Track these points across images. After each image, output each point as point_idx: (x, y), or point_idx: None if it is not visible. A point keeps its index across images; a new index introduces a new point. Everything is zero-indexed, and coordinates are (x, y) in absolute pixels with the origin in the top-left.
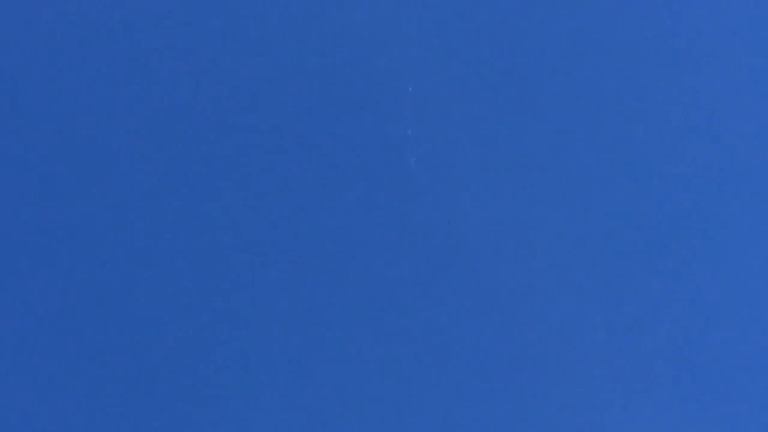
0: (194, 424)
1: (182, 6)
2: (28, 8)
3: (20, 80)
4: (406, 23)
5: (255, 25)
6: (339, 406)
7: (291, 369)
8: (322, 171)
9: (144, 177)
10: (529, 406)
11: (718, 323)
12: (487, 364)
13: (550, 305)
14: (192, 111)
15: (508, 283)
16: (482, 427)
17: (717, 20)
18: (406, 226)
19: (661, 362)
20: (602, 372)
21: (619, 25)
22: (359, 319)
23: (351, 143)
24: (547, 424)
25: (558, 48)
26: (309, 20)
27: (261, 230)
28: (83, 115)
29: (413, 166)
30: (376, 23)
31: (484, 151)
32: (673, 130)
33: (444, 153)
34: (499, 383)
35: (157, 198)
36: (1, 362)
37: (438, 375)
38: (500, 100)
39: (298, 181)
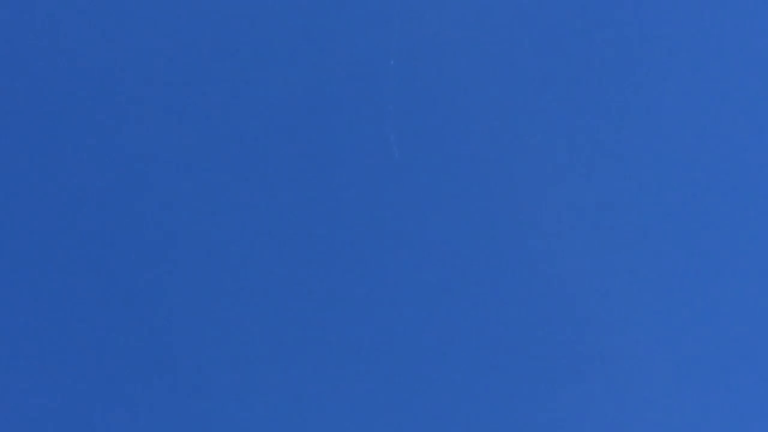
0: (193, 423)
1: (170, 7)
2: (28, 8)
3: (20, 80)
4: (390, 21)
5: (247, 23)
6: (338, 406)
7: (288, 366)
8: (309, 170)
9: (136, 177)
10: (525, 406)
11: (718, 323)
12: (480, 361)
13: (545, 304)
14: (185, 108)
15: (504, 282)
16: (481, 427)
17: (721, 20)
18: (393, 225)
19: (660, 363)
20: (600, 373)
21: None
22: (352, 318)
23: (336, 146)
24: (545, 424)
25: (550, 47)
26: (296, 17)
27: (253, 230)
28: (83, 115)
29: (397, 160)
30: (363, 21)
31: (468, 150)
32: (670, 130)
33: (428, 155)
34: (493, 379)
35: (149, 197)
36: (1, 362)
37: (426, 366)
38: (487, 100)
39: (288, 179)
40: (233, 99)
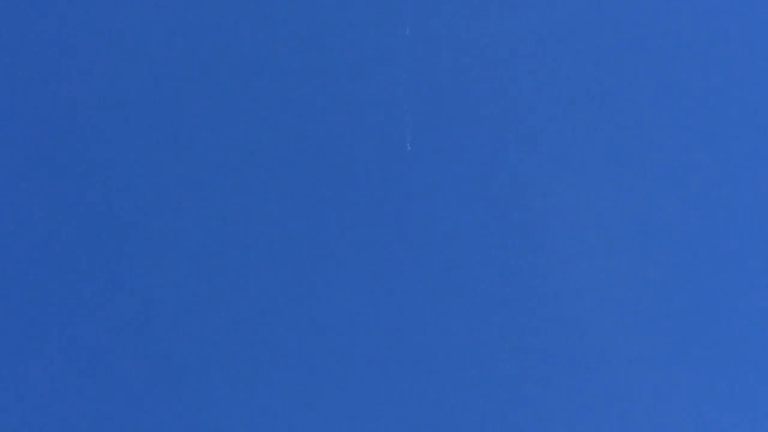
0: (193, 423)
1: (173, 6)
2: (28, 8)
3: (21, 80)
4: (400, 24)
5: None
6: (337, 406)
7: (289, 366)
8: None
9: (136, 175)
10: (524, 406)
11: (718, 324)
12: (482, 360)
13: (548, 305)
14: (186, 107)
15: (507, 283)
16: (479, 427)
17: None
18: (401, 228)
19: (660, 363)
20: (599, 374)
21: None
22: (357, 321)
23: (348, 150)
24: (544, 424)
25: (555, 48)
26: (308, 17)
27: (262, 236)
28: (84, 115)
29: (410, 154)
30: (374, 22)
31: (481, 156)
32: (669, 131)
33: (441, 161)
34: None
35: (148, 196)
36: (1, 362)
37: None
38: (493, 104)
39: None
40: (240, 89)
